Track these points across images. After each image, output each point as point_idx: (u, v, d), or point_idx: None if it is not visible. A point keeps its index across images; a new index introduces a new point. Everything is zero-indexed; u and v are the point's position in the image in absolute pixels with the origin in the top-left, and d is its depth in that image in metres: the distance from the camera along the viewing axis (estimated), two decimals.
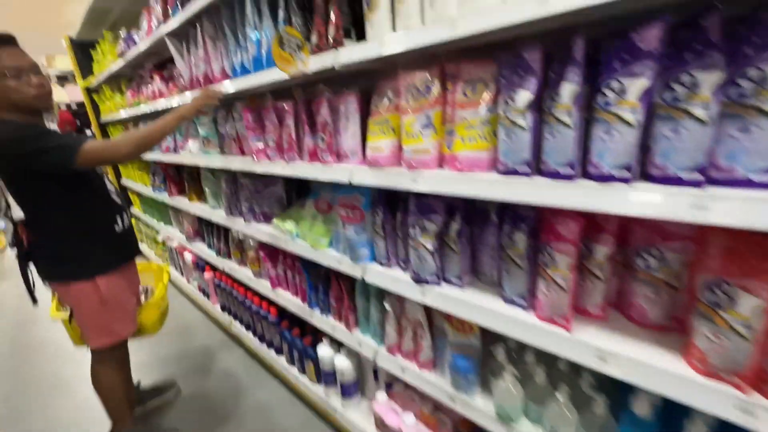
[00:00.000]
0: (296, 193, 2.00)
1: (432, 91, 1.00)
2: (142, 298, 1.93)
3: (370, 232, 1.33)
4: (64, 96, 5.54)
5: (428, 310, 1.27)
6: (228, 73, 1.74)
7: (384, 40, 0.98)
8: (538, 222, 0.90)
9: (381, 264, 1.32)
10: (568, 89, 0.72)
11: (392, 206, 1.26)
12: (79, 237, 1.46)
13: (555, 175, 0.78)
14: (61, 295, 1.50)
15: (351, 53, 1.08)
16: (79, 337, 1.70)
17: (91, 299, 1.48)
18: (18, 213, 1.46)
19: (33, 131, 1.27)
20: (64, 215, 1.43)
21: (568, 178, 0.76)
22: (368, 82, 1.25)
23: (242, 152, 2.01)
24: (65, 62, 5.78)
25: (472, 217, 1.11)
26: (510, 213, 0.97)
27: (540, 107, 0.79)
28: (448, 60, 1.00)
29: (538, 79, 0.76)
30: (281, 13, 1.31)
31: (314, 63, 1.19)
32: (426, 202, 1.10)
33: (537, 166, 0.83)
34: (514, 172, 0.85)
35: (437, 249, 1.11)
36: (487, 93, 0.91)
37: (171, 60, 2.71)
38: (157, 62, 2.92)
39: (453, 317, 1.16)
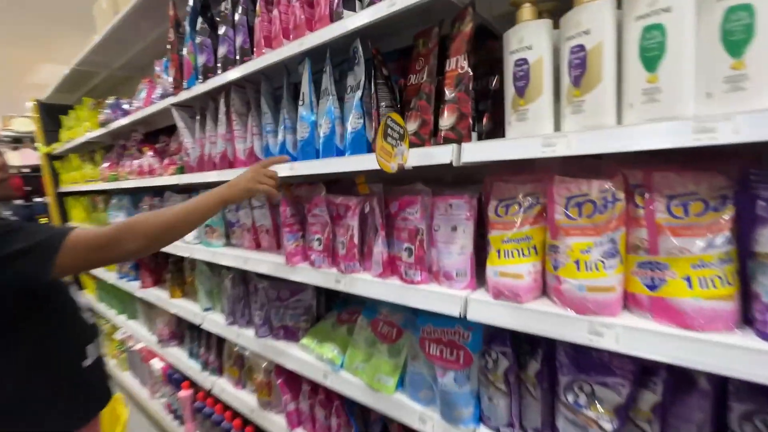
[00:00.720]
0: (326, 301, 1.59)
1: (616, 206, 0.72)
2: None
3: (479, 383, 0.95)
4: (16, 159, 4.91)
5: None
6: (258, 155, 1.42)
7: (556, 139, 0.70)
8: None
9: None
10: None
11: (518, 348, 0.91)
12: (33, 383, 0.94)
13: None
14: None
15: (490, 150, 0.79)
16: None
17: None
18: None
19: None
20: (13, 351, 0.93)
21: None
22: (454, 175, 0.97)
23: (257, 246, 1.63)
24: (24, 124, 5.23)
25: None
26: (742, 385, 0.65)
27: None
28: (622, 164, 0.75)
29: None
30: (358, 93, 1.04)
31: (420, 157, 0.89)
32: (596, 357, 0.76)
33: None
34: None
35: (617, 430, 0.75)
36: (719, 217, 0.64)
37: (164, 131, 2.38)
38: (146, 132, 2.56)
39: None
